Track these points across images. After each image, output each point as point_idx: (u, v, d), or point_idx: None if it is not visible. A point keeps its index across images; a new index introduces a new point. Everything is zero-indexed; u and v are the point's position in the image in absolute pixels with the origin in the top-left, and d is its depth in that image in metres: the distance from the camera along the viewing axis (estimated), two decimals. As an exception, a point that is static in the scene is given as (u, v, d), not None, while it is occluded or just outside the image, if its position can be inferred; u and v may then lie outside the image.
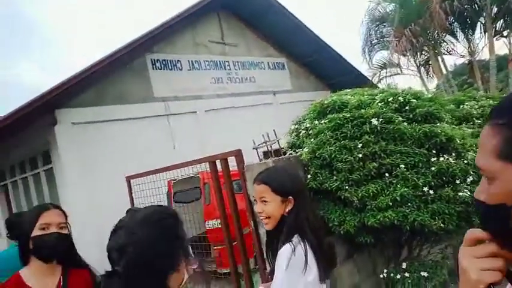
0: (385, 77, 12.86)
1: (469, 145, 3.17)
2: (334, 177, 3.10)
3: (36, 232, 1.70)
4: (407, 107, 3.25)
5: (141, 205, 4.62)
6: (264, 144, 3.18)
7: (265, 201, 1.75)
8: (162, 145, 8.11)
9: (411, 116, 3.20)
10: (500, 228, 0.67)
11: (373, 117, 3.10)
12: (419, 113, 3.17)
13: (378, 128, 3.06)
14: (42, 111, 6.75)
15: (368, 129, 3.09)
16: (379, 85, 12.34)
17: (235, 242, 3.53)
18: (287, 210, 1.74)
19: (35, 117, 6.76)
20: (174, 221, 1.11)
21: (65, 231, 1.76)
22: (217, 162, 3.53)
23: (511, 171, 0.64)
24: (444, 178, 2.97)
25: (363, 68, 13.01)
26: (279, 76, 11.61)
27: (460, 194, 2.88)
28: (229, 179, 3.45)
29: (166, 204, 7.11)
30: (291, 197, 1.75)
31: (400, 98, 3.25)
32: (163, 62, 8.86)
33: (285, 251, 1.64)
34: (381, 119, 3.08)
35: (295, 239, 1.72)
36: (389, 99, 3.26)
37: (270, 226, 1.77)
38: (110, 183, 6.76)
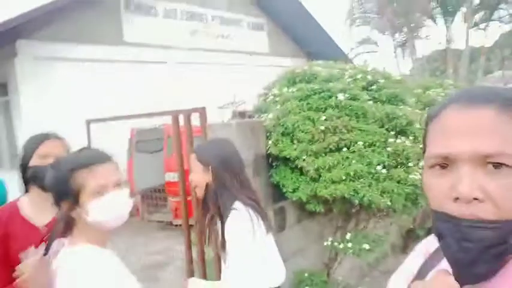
0: (362, 53, 12.90)
1: (426, 131, 3.27)
2: (294, 146, 3.15)
3: (34, 161, 1.65)
4: (374, 86, 3.30)
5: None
6: (230, 105, 3.16)
7: (193, 171, 1.87)
8: (127, 92, 7.88)
9: (377, 95, 3.25)
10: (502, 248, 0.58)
11: (340, 92, 3.13)
12: (385, 93, 3.22)
13: (343, 103, 3.10)
14: (3, 40, 6.34)
15: (333, 103, 3.13)
16: (354, 61, 12.41)
17: (190, 197, 3.56)
18: (208, 180, 1.82)
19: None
20: None
21: None
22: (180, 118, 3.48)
23: None
24: (398, 159, 3.08)
25: (342, 44, 12.92)
26: (257, 37, 11.40)
27: (411, 176, 3.01)
28: (191, 135, 3.42)
29: (128, 152, 7.02)
30: (210, 167, 1.82)
31: (369, 77, 3.29)
32: (138, 5, 8.45)
33: (232, 217, 1.74)
34: (347, 95, 3.12)
35: (238, 205, 1.78)
36: (358, 76, 3.29)
37: (199, 194, 1.88)
38: (68, 125, 6.55)
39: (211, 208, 1.84)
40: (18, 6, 6.63)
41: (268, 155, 3.32)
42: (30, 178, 1.67)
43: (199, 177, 1.84)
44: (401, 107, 3.25)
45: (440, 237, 0.64)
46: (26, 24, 6.39)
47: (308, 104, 3.19)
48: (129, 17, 8.25)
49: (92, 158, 1.26)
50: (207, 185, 1.83)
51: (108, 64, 7.80)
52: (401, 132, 3.18)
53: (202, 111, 3.27)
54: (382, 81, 3.29)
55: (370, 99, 3.17)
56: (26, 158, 1.67)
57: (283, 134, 3.19)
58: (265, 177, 3.34)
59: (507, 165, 0.57)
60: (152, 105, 7.31)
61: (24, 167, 1.68)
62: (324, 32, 11.80)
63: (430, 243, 0.85)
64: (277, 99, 3.43)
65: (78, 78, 7.31)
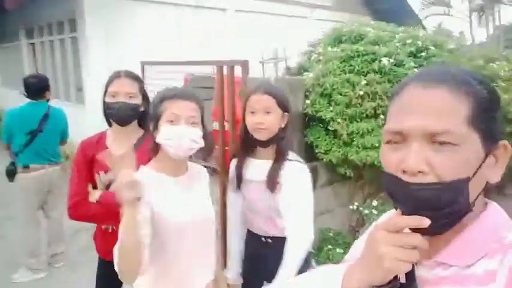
0: (433, 15, 11.88)
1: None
2: (331, 108, 3.15)
3: (107, 98, 1.84)
4: (423, 53, 3.14)
5: (152, 93, 4.79)
6: (272, 60, 3.17)
7: (269, 112, 1.75)
8: (186, 38, 8.03)
9: (425, 63, 3.10)
10: (455, 207, 0.63)
11: (384, 56, 3.03)
12: (434, 62, 3.07)
13: (387, 68, 3.00)
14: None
15: (377, 67, 3.04)
16: (425, 22, 11.52)
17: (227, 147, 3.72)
18: (283, 125, 1.80)
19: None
20: None
21: (134, 101, 1.84)
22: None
23: (473, 139, 0.64)
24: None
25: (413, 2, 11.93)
26: (322, -11, 10.90)
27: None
28: (233, 86, 3.51)
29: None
30: (287, 114, 1.81)
31: (419, 43, 3.12)
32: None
33: (307, 170, 1.80)
34: (392, 60, 3.01)
35: (294, 156, 1.83)
36: (408, 41, 3.13)
37: (264, 136, 1.77)
38: (130, 63, 6.90)
39: (277, 153, 1.80)
40: None
41: (305, 114, 3.34)
42: (105, 113, 1.88)
43: (277, 121, 1.77)
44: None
45: (392, 198, 0.70)
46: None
47: (350, 66, 3.13)
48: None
49: (178, 93, 1.48)
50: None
51: (172, 7, 7.95)
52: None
53: (244, 64, 3.33)
54: (432, 48, 3.12)
55: (416, 67, 3.03)
56: (104, 95, 1.87)
57: (321, 95, 3.18)
58: (299, 136, 3.39)
59: (452, 143, 0.62)
60: (208, 52, 7.48)
61: (103, 103, 1.89)
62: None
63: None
64: (320, 58, 3.39)
65: (142, 18, 7.54)
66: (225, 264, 3.59)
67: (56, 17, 8.29)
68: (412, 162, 0.63)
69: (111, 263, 1.54)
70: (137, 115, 1.91)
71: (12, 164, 3.55)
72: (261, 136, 1.78)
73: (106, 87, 1.87)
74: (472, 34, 12.13)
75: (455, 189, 0.63)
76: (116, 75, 1.86)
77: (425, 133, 0.63)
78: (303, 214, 1.77)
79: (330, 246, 3.38)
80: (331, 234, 3.61)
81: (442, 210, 0.63)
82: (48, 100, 3.67)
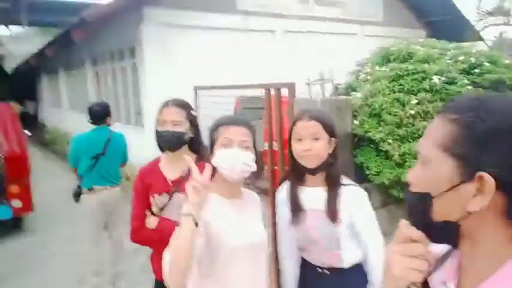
0: (491, 25, 11.27)
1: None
2: (381, 129, 3.11)
3: (158, 127, 2.01)
4: (477, 70, 3.02)
5: (206, 115, 5.01)
6: (319, 81, 3.20)
7: (317, 139, 1.73)
8: (238, 60, 8.28)
9: (479, 80, 2.98)
10: (420, 218, 0.72)
11: (435, 74, 2.96)
12: (489, 78, 2.94)
13: (438, 86, 2.93)
14: (131, 6, 7.16)
15: (427, 86, 2.97)
16: (482, 33, 10.96)
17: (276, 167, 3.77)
18: (330, 151, 1.77)
19: (125, 11, 7.21)
20: None
21: (180, 128, 1.98)
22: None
23: (445, 163, 0.68)
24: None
25: (468, 11, 11.41)
26: (370, 4, 10.78)
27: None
28: (280, 107, 3.58)
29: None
30: (334, 139, 1.78)
31: (472, 59, 3.01)
32: (251, -26, 8.64)
33: (364, 193, 1.80)
34: (443, 78, 2.93)
35: (347, 180, 1.81)
36: (460, 58, 3.04)
37: (314, 164, 1.74)
38: (183, 88, 7.23)
39: (329, 180, 1.78)
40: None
41: (354, 135, 3.32)
42: (157, 141, 2.03)
43: (325, 147, 1.75)
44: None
45: None
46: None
47: (400, 85, 3.08)
48: (242, -14, 8.52)
49: (230, 120, 1.60)
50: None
51: (223, 31, 8.26)
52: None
53: (291, 86, 3.40)
54: (487, 64, 2.99)
55: (469, 84, 2.93)
56: (156, 123, 2.03)
57: (370, 115, 3.16)
58: (348, 157, 3.37)
59: (422, 162, 0.76)
60: (258, 74, 7.65)
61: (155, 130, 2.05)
62: (447, -2, 10.62)
63: (437, 246, 0.89)
64: (368, 77, 3.37)
65: (195, 43, 7.91)
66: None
67: (118, 46, 8.92)
68: (409, 173, 0.78)
69: None
70: (184, 141, 2.02)
71: (78, 186, 3.84)
72: (310, 163, 1.75)
73: (157, 116, 2.01)
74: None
75: (418, 200, 0.72)
76: (165, 104, 2.00)
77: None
78: (376, 235, 1.78)
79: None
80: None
81: (425, 220, 0.72)
82: (109, 125, 3.95)
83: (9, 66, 17.81)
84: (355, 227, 1.78)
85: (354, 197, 1.76)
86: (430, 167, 0.71)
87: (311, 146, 1.73)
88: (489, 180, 0.64)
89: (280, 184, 2.00)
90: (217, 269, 1.53)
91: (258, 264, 1.63)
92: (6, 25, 22.21)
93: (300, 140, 1.75)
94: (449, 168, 0.68)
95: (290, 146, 1.82)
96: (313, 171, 1.78)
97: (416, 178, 0.73)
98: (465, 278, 0.75)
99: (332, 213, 1.73)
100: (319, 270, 1.87)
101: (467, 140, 0.66)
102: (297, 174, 1.87)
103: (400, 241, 0.70)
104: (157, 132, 2.01)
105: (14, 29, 23.48)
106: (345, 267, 1.80)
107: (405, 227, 0.72)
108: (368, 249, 1.80)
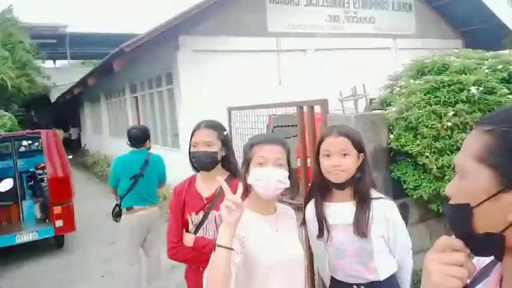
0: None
1: None
2: (417, 142, 3.03)
3: (191, 149, 2.10)
4: (518, 78, 2.91)
5: (239, 135, 5.09)
6: (351, 97, 3.19)
7: (345, 154, 1.75)
8: (269, 80, 8.39)
9: (520, 88, 2.87)
10: (462, 229, 0.72)
11: (473, 85, 2.87)
12: (530, 87, 2.82)
13: (476, 97, 2.84)
14: (168, 36, 7.48)
15: (465, 97, 2.89)
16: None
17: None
18: (358, 165, 1.78)
19: (162, 40, 7.53)
20: None
21: (212, 149, 2.06)
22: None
23: (482, 174, 0.69)
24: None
25: (507, 17, 11.04)
26: (403, 18, 10.68)
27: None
28: (313, 124, 3.59)
29: (264, 136, 7.54)
30: (362, 154, 1.80)
31: (511, 67, 2.91)
32: (281, -4, 8.83)
33: (394, 205, 1.85)
34: (481, 88, 2.84)
35: (377, 193, 1.84)
36: (499, 67, 2.94)
37: (343, 179, 1.76)
38: (217, 109, 7.41)
39: (358, 194, 1.80)
40: (177, 5, 7.67)
41: (390, 149, 3.26)
42: (191, 162, 2.12)
43: (354, 163, 1.77)
44: (552, 102, 2.79)
45: None
46: (186, 21, 7.39)
47: (436, 97, 3.01)
48: (272, 8, 8.70)
49: (265, 139, 1.65)
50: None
51: (253, 54, 8.44)
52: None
53: (323, 103, 3.41)
54: (528, 72, 2.88)
55: (510, 93, 2.82)
56: (189, 146, 2.12)
57: (406, 129, 3.09)
58: (385, 172, 3.30)
59: (459, 173, 0.76)
60: (290, 92, 7.70)
61: (189, 151, 2.14)
62: (482, 4, 10.32)
63: (482, 260, 0.87)
64: (403, 91, 3.32)
65: (228, 67, 8.12)
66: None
67: (155, 73, 9.30)
68: (448, 186, 0.79)
69: None
70: (216, 160, 2.09)
71: (117, 205, 3.96)
72: (339, 179, 1.76)
73: (190, 139, 2.09)
74: None
75: (458, 211, 0.72)
76: (197, 127, 2.09)
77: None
78: (406, 245, 1.85)
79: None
80: (426, 275, 3.36)
81: (466, 232, 0.71)
82: (149, 148, 4.08)
83: (54, 96, 18.90)
84: (386, 238, 1.80)
85: (384, 210, 1.78)
86: (468, 179, 0.71)
87: (340, 162, 1.74)
88: None
89: (305, 201, 2.01)
90: (255, 286, 1.54)
91: (295, 279, 1.63)
92: (53, 60, 23.78)
93: (328, 155, 1.77)
94: (486, 179, 0.68)
95: (318, 161, 1.84)
96: (341, 187, 1.80)
97: (455, 190, 0.74)
98: None
99: (360, 227, 1.75)
100: (355, 287, 1.85)
101: (502, 150, 0.67)
102: (325, 190, 1.89)
103: (440, 250, 0.72)
104: (190, 153, 2.09)
105: (59, 62, 25.10)
106: (381, 279, 1.79)
107: (445, 237, 0.73)
108: (399, 259, 1.84)
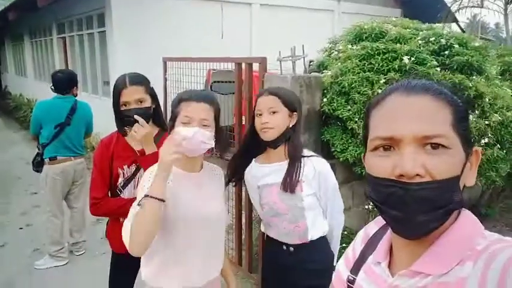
0: (466, 7, 11.41)
1: (498, 106, 3.00)
2: (348, 107, 3.10)
3: (122, 108, 1.96)
4: (446, 52, 3.03)
5: (175, 88, 4.88)
6: (290, 58, 3.15)
7: (274, 112, 1.78)
8: (210, 32, 8.07)
9: (447, 62, 3.00)
10: (443, 207, 0.65)
11: (406, 55, 2.95)
12: (457, 61, 2.96)
13: (407, 67, 2.93)
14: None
15: (397, 66, 2.97)
16: (458, 15, 11.08)
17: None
18: (291, 125, 1.82)
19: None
20: None
21: (145, 105, 1.97)
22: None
23: (458, 143, 0.67)
24: (458, 134, 2.90)
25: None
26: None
27: (468, 153, 2.84)
28: (250, 81, 3.53)
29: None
30: (295, 113, 1.83)
31: (442, 40, 3.02)
32: None
33: (325, 162, 1.89)
34: (413, 58, 2.93)
35: (309, 152, 1.88)
36: (431, 39, 3.04)
37: (271, 136, 1.79)
38: (153, 57, 7.01)
39: (288, 152, 1.83)
40: None
41: (323, 113, 3.31)
42: (123, 122, 1.99)
43: (283, 120, 1.80)
44: (473, 77, 2.97)
45: (383, 202, 0.69)
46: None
47: (370, 64, 3.06)
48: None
49: (192, 96, 1.57)
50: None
51: (196, 2, 8.00)
52: (468, 105, 2.94)
53: (262, 61, 3.34)
54: (456, 46, 3.01)
55: (438, 66, 2.94)
56: (114, 104, 1.99)
57: (339, 93, 3.14)
58: (315, 134, 3.37)
59: (443, 146, 0.65)
60: (231, 47, 7.49)
61: (114, 111, 2.00)
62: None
63: (370, 227, 0.89)
64: (340, 55, 3.34)
65: (166, 14, 7.63)
66: (239, 259, 3.64)
67: (86, 12, 8.50)
68: (409, 166, 0.64)
69: (125, 256, 1.60)
70: (150, 115, 2.01)
71: (39, 155, 3.69)
72: (267, 136, 1.80)
73: (116, 97, 1.95)
74: (507, 27, 11.57)
75: (451, 187, 0.65)
76: (123, 85, 1.94)
77: (419, 137, 0.65)
78: (339, 203, 1.92)
79: (344, 245, 3.36)
80: (346, 233, 3.58)
81: (439, 209, 0.65)
82: (75, 95, 3.78)
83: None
84: (318, 196, 1.84)
85: (316, 167, 1.82)
86: (453, 150, 0.66)
87: (268, 119, 1.77)
88: (480, 153, 0.72)
89: (233, 159, 2.04)
90: (173, 238, 1.56)
91: (212, 236, 1.65)
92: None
93: (260, 115, 1.80)
94: (460, 148, 0.67)
95: (253, 122, 1.85)
96: (273, 144, 1.84)
97: (438, 166, 0.64)
98: (398, 257, 0.76)
99: (289, 184, 1.79)
100: (284, 248, 1.90)
101: (463, 120, 0.68)
102: (259, 150, 1.93)
103: None
104: (122, 113, 1.96)
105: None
106: (311, 240, 1.85)
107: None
108: (331, 221, 1.91)
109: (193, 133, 1.46)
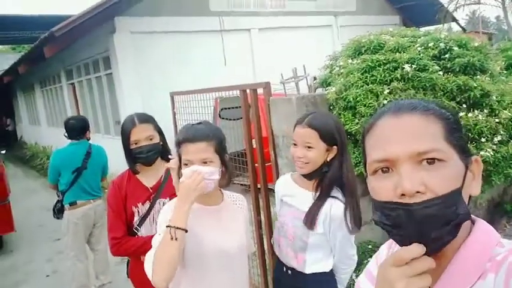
0: (463, 5, 11.43)
1: (507, 102, 2.97)
2: (356, 121, 3.11)
3: (132, 146, 2.03)
4: (447, 55, 3.04)
5: (184, 121, 4.96)
6: (292, 79, 3.19)
7: (309, 147, 1.70)
8: (214, 61, 8.24)
9: (449, 65, 3.01)
10: (451, 222, 0.65)
11: (406, 63, 2.97)
12: (458, 63, 2.96)
13: (410, 74, 2.94)
14: (102, 18, 7.05)
15: (399, 75, 2.98)
16: (455, 14, 11.10)
17: (268, 163, 3.77)
18: (328, 159, 1.73)
19: (96, 23, 7.09)
20: None
21: (154, 141, 2.05)
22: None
23: (454, 155, 0.67)
24: (470, 134, 2.88)
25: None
26: (344, -5, 10.85)
27: (482, 153, 2.80)
28: (256, 106, 3.57)
29: (211, 119, 7.46)
30: (335, 147, 1.72)
31: (441, 44, 3.03)
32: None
33: (340, 210, 1.70)
34: (414, 66, 2.94)
35: (337, 193, 1.75)
36: (430, 45, 3.06)
37: (305, 171, 1.73)
38: (161, 93, 7.17)
39: (320, 188, 1.75)
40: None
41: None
42: (134, 160, 2.06)
43: (319, 156, 1.71)
44: (477, 77, 2.96)
45: (390, 227, 0.69)
46: (121, 1, 7.00)
47: (372, 76, 3.08)
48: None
49: (187, 137, 1.56)
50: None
51: (196, 34, 8.20)
52: (476, 104, 2.93)
53: (266, 86, 3.39)
54: (456, 49, 3.02)
55: (440, 70, 2.95)
56: (124, 143, 2.06)
57: (345, 108, 3.15)
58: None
59: (438, 159, 0.65)
60: (235, 73, 7.62)
61: (124, 150, 2.08)
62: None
63: (394, 245, 0.89)
64: (341, 71, 3.37)
65: (168, 48, 7.84)
66: (266, 285, 3.60)
67: (92, 57, 8.78)
68: (408, 185, 0.64)
69: None
70: (160, 151, 2.09)
71: (59, 201, 3.75)
72: (302, 170, 1.75)
73: (126, 136, 2.01)
74: (508, 21, 11.52)
75: (453, 200, 0.64)
76: (131, 125, 2.02)
77: (413, 154, 0.66)
78: (348, 249, 1.80)
79: (369, 259, 3.31)
80: (370, 246, 3.53)
81: (446, 225, 0.64)
82: (88, 139, 3.87)
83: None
84: (330, 240, 1.77)
85: (332, 212, 1.71)
86: (449, 163, 0.66)
87: (303, 154, 1.70)
88: (480, 161, 0.72)
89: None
90: (193, 274, 1.57)
91: (234, 269, 1.65)
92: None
93: (295, 145, 1.75)
94: (457, 159, 0.68)
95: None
96: (308, 177, 1.78)
97: (437, 184, 0.64)
98: None
99: (311, 220, 1.73)
100: (284, 269, 1.91)
101: (456, 131, 0.70)
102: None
103: (400, 264, 0.64)
104: (131, 151, 2.02)
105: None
106: (305, 272, 1.81)
107: (402, 249, 0.66)
108: (339, 260, 1.82)
109: (192, 173, 1.49)
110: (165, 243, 1.40)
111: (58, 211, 3.76)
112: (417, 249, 0.63)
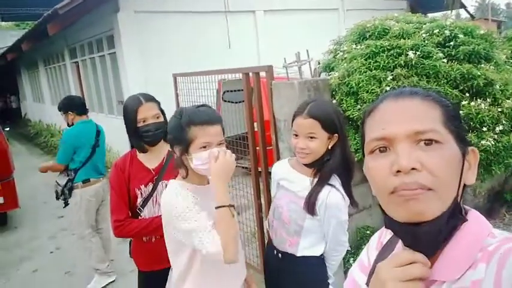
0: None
1: (510, 92, 2.96)
2: (358, 107, 3.11)
3: (139, 124, 2.04)
4: (452, 43, 3.02)
5: (188, 102, 4.96)
6: (295, 63, 3.18)
7: (312, 138, 1.69)
8: (217, 43, 8.18)
9: (453, 53, 2.98)
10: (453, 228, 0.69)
11: (411, 49, 2.95)
12: (463, 50, 2.94)
13: (413, 61, 2.92)
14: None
15: (403, 61, 2.96)
16: (464, 0, 10.87)
17: (270, 147, 3.80)
18: (330, 146, 1.73)
19: (100, 1, 7.04)
20: None
21: (161, 119, 2.07)
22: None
23: (451, 139, 0.69)
24: (471, 123, 2.87)
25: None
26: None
27: (483, 142, 2.81)
28: (259, 90, 3.58)
29: (215, 101, 7.45)
30: (336, 135, 1.73)
31: (447, 32, 3.00)
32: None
33: (339, 202, 1.72)
34: (418, 52, 2.92)
35: (335, 180, 1.75)
36: (435, 31, 3.03)
37: (307, 161, 1.74)
38: (164, 73, 7.14)
39: (319, 176, 1.76)
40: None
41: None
42: (140, 137, 2.06)
43: (321, 146, 1.71)
44: (481, 65, 2.94)
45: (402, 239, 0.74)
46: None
47: (376, 62, 3.06)
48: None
49: (206, 119, 1.55)
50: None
51: (199, 15, 8.12)
52: (479, 93, 2.92)
53: (268, 70, 3.38)
54: (461, 36, 2.99)
55: (445, 57, 2.93)
56: (130, 122, 2.05)
57: (347, 94, 3.15)
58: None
59: (436, 141, 0.67)
60: (238, 55, 7.57)
61: (129, 129, 2.07)
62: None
63: (384, 234, 0.91)
64: (345, 56, 3.35)
65: (172, 28, 7.78)
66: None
67: (96, 36, 8.73)
68: (405, 161, 0.65)
69: (152, 273, 1.65)
70: (166, 130, 2.07)
71: (70, 180, 3.68)
72: (304, 160, 1.75)
73: (133, 114, 2.02)
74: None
75: (454, 209, 0.68)
76: (138, 103, 2.02)
77: (411, 133, 0.67)
78: (340, 236, 1.81)
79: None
80: (368, 232, 3.57)
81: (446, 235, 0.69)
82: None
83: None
84: (324, 225, 1.79)
85: (328, 199, 1.72)
86: (447, 145, 0.68)
87: (305, 145, 1.70)
88: (477, 152, 0.73)
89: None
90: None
91: None
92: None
93: (296, 135, 1.74)
94: (454, 145, 0.69)
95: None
96: (309, 166, 1.79)
97: (434, 160, 0.66)
98: None
99: (311, 206, 1.75)
100: (275, 252, 1.94)
101: (454, 119, 0.71)
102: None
103: (397, 266, 0.67)
104: (138, 129, 2.02)
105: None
106: (297, 255, 1.85)
107: (408, 253, 0.69)
108: (328, 250, 1.85)
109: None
110: (227, 222, 1.47)
111: (69, 190, 3.74)
112: (421, 258, 0.67)
